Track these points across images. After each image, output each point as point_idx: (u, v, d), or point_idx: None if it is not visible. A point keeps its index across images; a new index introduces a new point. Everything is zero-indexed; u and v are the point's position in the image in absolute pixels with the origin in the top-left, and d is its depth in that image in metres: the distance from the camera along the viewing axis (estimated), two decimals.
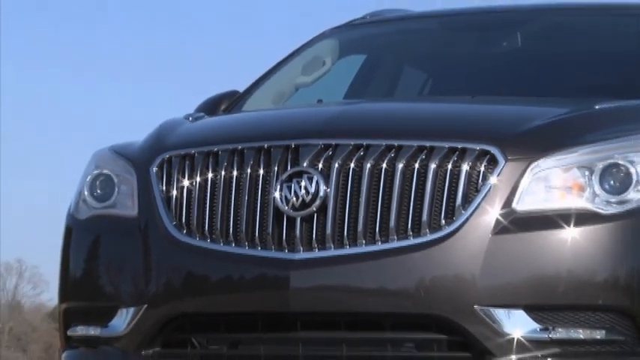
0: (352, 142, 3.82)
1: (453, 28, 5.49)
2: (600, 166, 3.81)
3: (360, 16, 5.53)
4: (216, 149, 3.96)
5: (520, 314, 3.69)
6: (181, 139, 4.14)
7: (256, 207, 3.84)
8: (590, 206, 3.77)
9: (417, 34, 5.55)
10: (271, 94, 5.06)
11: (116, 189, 4.13)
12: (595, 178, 3.80)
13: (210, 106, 4.93)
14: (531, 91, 4.70)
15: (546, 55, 5.19)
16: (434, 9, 5.69)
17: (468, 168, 3.75)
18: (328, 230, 3.76)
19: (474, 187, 3.74)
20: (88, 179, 4.23)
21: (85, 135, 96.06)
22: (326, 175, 3.78)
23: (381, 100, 4.98)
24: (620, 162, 3.81)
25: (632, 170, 3.79)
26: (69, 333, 4.17)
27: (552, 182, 3.79)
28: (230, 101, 4.99)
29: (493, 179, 3.74)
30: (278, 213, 3.80)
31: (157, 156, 4.06)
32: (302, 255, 3.76)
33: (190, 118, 4.51)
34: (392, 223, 3.73)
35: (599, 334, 3.73)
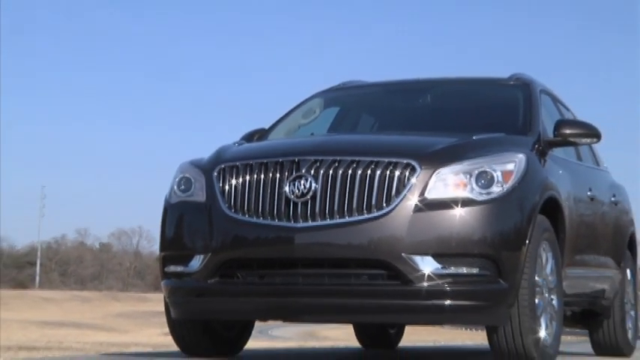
0: (331, 158, 3.82)
1: (390, 92, 5.46)
2: (476, 172, 3.83)
3: (336, 84, 5.48)
4: (251, 162, 3.94)
5: (429, 259, 3.71)
6: (231, 156, 4.10)
7: (274, 196, 3.83)
8: (470, 195, 3.78)
9: (369, 95, 5.51)
10: (284, 130, 5.03)
11: (193, 185, 4.10)
12: (472, 179, 3.81)
13: (248, 137, 4.90)
14: (436, 129, 4.67)
15: (444, 108, 5.19)
16: (379, 80, 5.62)
17: (399, 173, 3.74)
18: (317, 210, 3.76)
19: (402, 185, 3.72)
20: (176, 179, 4.19)
21: (171, 151, 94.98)
22: (316, 177, 3.77)
23: (348, 134, 4.94)
24: (487, 170, 3.84)
25: (494, 175, 3.83)
26: (165, 270, 4.17)
27: (448, 181, 3.79)
28: (260, 134, 4.95)
29: (413, 180, 3.73)
30: (287, 200, 3.79)
31: (217, 166, 4.02)
32: (301, 224, 3.76)
33: (236, 144, 4.47)
34: (354, 205, 3.73)
35: (475, 270, 3.76)
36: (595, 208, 5.20)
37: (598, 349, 5.94)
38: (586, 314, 5.69)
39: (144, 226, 78.28)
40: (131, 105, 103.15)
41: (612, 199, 5.70)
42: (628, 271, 5.93)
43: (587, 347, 6.16)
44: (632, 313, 6.07)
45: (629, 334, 5.95)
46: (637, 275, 6.30)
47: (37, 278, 69.90)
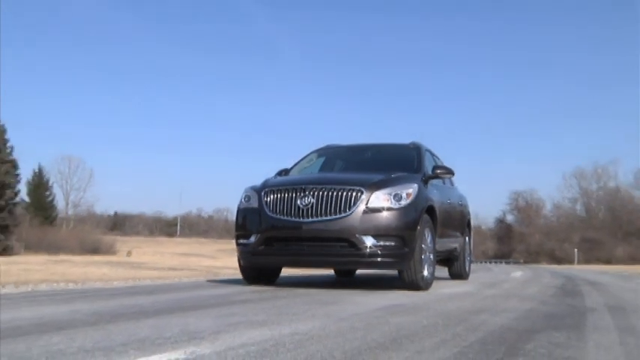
0: (320, 186, 3.69)
1: (351, 150, 5.33)
2: (393, 193, 3.72)
3: (324, 145, 5.37)
4: (281, 187, 3.79)
5: (370, 237, 3.59)
6: (270, 184, 3.97)
7: (292, 205, 3.68)
8: (390, 205, 3.68)
9: (341, 151, 5.38)
10: (297, 169, 4.91)
11: (251, 199, 3.95)
12: (392, 197, 3.70)
13: (280, 172, 4.77)
14: (373, 170, 4.54)
15: (377, 159, 5.05)
16: (346, 143, 5.50)
17: (355, 194, 3.64)
18: (313, 212, 3.62)
19: (356, 199, 3.63)
20: (243, 195, 4.05)
21: (248, 175, 78.61)
22: (313, 196, 3.65)
23: (329, 173, 4.82)
24: (399, 192, 3.74)
25: (402, 194, 3.74)
26: (237, 241, 3.93)
27: (379, 198, 3.68)
28: (286, 171, 4.82)
29: (362, 197, 3.64)
30: (298, 207, 3.65)
31: (263, 189, 3.88)
32: (305, 220, 3.62)
33: (274, 177, 4.34)
34: (332, 210, 3.61)
35: (393, 243, 3.64)
36: (451, 208, 5.12)
37: (452, 276, 5.90)
38: (447, 259, 5.63)
39: (230, 207, 77.43)
40: (233, 134, 79.54)
41: (459, 202, 5.64)
42: (467, 238, 5.92)
43: (446, 274, 6.12)
44: (468, 258, 6.07)
45: (467, 268, 5.96)
46: (471, 239, 6.32)
47: (178, 232, 69.79)
